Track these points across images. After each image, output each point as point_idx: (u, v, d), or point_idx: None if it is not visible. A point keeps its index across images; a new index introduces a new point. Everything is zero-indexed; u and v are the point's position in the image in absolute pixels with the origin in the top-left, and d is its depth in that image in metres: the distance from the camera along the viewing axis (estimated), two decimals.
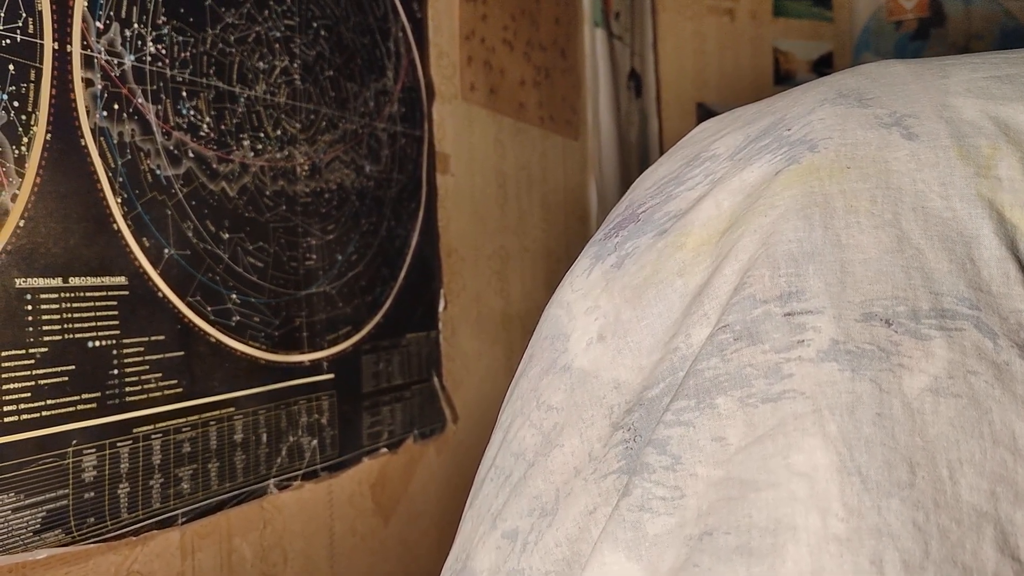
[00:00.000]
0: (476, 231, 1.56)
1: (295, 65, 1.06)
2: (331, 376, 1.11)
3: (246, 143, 0.98)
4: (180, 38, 0.89)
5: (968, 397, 0.35)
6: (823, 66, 3.03)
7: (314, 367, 1.08)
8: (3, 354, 0.70)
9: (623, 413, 0.49)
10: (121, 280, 0.81)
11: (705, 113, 2.94)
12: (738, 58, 2.97)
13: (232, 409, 0.94)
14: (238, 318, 0.95)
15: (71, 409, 0.76)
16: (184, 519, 0.87)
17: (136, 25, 0.84)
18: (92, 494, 0.77)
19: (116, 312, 0.80)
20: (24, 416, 0.72)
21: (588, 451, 0.49)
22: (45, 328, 0.74)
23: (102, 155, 0.80)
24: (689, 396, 0.43)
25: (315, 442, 1.08)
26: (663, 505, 0.41)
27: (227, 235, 0.94)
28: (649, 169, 0.59)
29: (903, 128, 0.43)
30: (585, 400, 0.52)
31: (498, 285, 1.63)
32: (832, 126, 0.47)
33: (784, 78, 3.01)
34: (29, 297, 0.73)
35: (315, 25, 1.10)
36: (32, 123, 0.74)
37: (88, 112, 0.79)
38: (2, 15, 0.72)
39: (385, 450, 1.23)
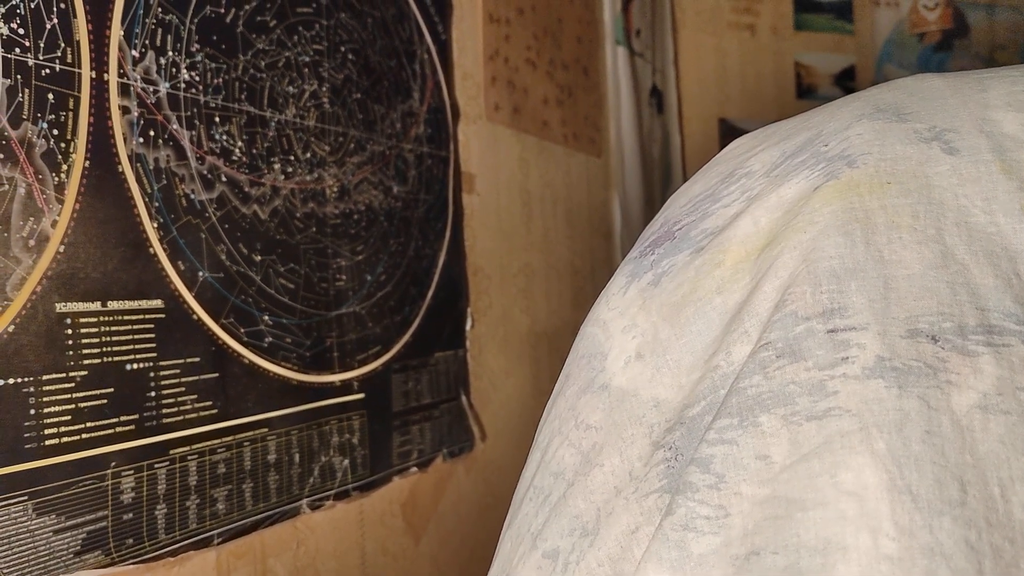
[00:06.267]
0: (502, 249, 1.56)
1: (324, 89, 1.08)
2: (361, 396, 1.12)
3: (277, 166, 0.99)
4: (213, 65, 0.91)
5: (1018, 414, 0.35)
6: (845, 79, 3.02)
7: (345, 387, 1.09)
8: (44, 378, 0.71)
9: (663, 432, 0.49)
10: (158, 303, 0.82)
11: (727, 128, 2.94)
12: (760, 73, 2.97)
13: (265, 430, 0.95)
14: (270, 339, 0.96)
15: (110, 431, 0.77)
16: (220, 539, 0.88)
17: (171, 53, 0.86)
18: (131, 515, 0.78)
19: (153, 335, 0.81)
20: (64, 439, 0.73)
21: (628, 470, 0.49)
22: (85, 352, 0.75)
23: (139, 181, 0.81)
24: (732, 414, 0.42)
25: (346, 462, 1.08)
26: (707, 524, 0.40)
27: (259, 257, 0.95)
28: (683, 186, 0.59)
29: (943, 143, 0.43)
30: (624, 419, 0.51)
31: (524, 303, 1.64)
32: (871, 141, 0.46)
33: (806, 92, 3.01)
34: (69, 321, 0.74)
35: (343, 49, 1.12)
36: (71, 151, 0.75)
37: (125, 139, 0.80)
38: (42, 45, 0.73)
39: (415, 469, 1.23)
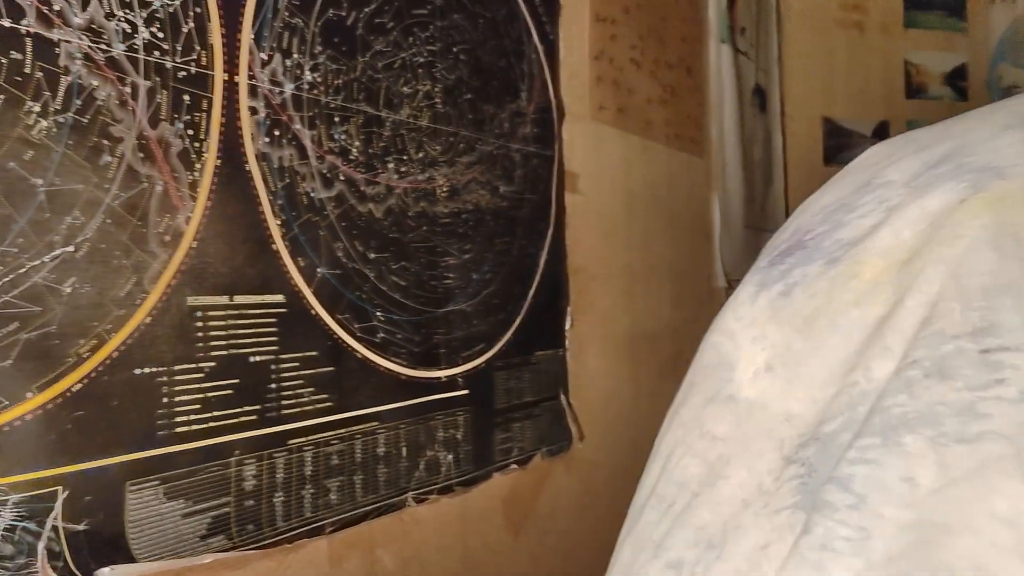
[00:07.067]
0: (603, 249, 1.56)
1: (437, 89, 1.10)
2: (466, 392, 1.13)
3: (391, 166, 1.01)
4: (334, 66, 0.93)
5: None
6: (956, 78, 2.91)
7: (450, 383, 1.10)
8: (176, 368, 0.75)
9: (796, 447, 0.48)
10: (279, 298, 0.85)
11: (831, 128, 2.86)
12: (867, 71, 2.88)
13: (376, 423, 0.97)
14: (382, 335, 0.99)
15: (234, 421, 0.80)
16: (332, 528, 0.90)
17: (296, 55, 0.89)
18: (251, 502, 0.81)
19: (275, 329, 0.84)
20: (193, 427, 0.76)
21: (757, 484, 0.48)
22: (213, 344, 0.78)
23: (264, 179, 0.84)
24: (875, 433, 0.41)
25: (451, 457, 1.10)
26: (847, 546, 0.39)
27: (373, 255, 0.98)
28: (815, 195, 0.58)
29: None
30: (753, 431, 0.51)
31: (624, 303, 1.63)
32: (1021, 152, 0.44)
33: (916, 91, 2.90)
34: (199, 314, 0.77)
35: (455, 50, 1.13)
36: (204, 150, 0.78)
37: (252, 138, 0.83)
38: (179, 48, 0.77)
39: (515, 466, 1.24)
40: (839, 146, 2.84)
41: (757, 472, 0.48)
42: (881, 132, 2.84)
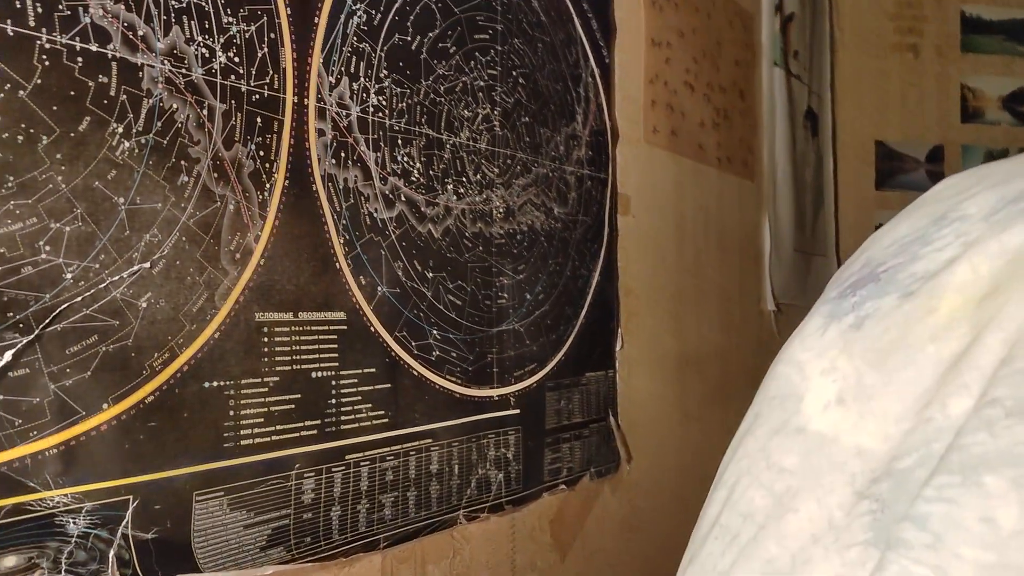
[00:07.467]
0: (653, 271, 1.56)
1: (496, 112, 1.11)
2: (517, 411, 1.14)
3: (450, 187, 1.03)
4: (398, 90, 0.95)
5: None
6: (1015, 103, 2.87)
7: (502, 402, 1.11)
8: (243, 382, 0.77)
9: (868, 482, 0.47)
10: (341, 315, 0.87)
11: (884, 151, 2.83)
12: (922, 95, 2.85)
13: (430, 440, 0.98)
14: (438, 353, 1.00)
15: (295, 435, 0.81)
16: (385, 544, 0.91)
17: (362, 79, 0.91)
18: (310, 515, 0.83)
19: (336, 345, 0.86)
20: (257, 439, 0.78)
21: (827, 518, 0.48)
22: (278, 359, 0.80)
23: (329, 199, 0.86)
24: (953, 472, 0.41)
25: (501, 475, 1.10)
26: None
27: (431, 274, 0.99)
28: (887, 226, 0.57)
29: None
30: (823, 465, 0.51)
31: (673, 326, 1.62)
32: None
33: (972, 115, 2.86)
34: (265, 330, 0.79)
35: (514, 74, 1.15)
36: (274, 170, 0.81)
37: (319, 159, 0.85)
38: (253, 72, 0.79)
39: (563, 487, 1.25)
40: (892, 170, 2.81)
41: (827, 506, 0.48)
42: (935, 156, 2.81)
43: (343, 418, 0.87)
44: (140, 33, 0.69)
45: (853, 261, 0.59)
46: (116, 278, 0.67)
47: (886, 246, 0.56)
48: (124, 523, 0.67)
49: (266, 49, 0.80)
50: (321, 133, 0.86)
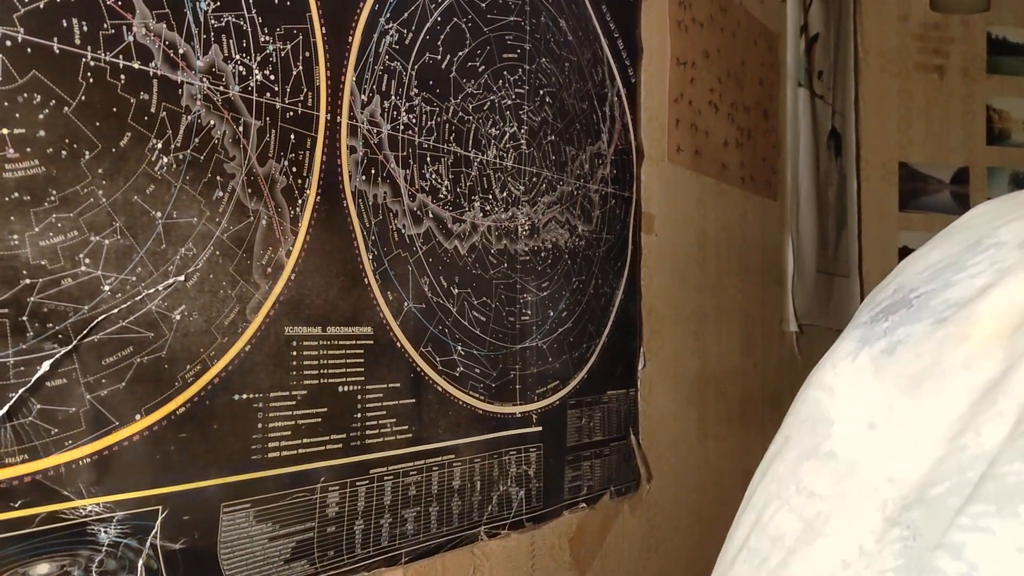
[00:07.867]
0: (676, 290, 1.56)
1: (522, 131, 1.12)
2: (539, 429, 1.14)
3: (476, 204, 1.03)
4: (428, 108, 0.96)
5: None
6: None
7: (524, 419, 1.12)
8: (271, 395, 0.78)
9: (899, 509, 0.47)
10: (368, 331, 0.88)
11: (908, 173, 2.82)
12: (947, 116, 2.84)
13: (452, 456, 0.99)
14: (461, 369, 1.00)
15: (321, 448, 0.82)
16: (407, 559, 0.92)
17: (393, 97, 0.92)
18: (333, 528, 0.83)
19: (362, 360, 0.87)
20: (284, 452, 0.79)
21: (858, 544, 0.48)
22: (306, 373, 0.81)
23: (359, 215, 0.87)
24: (988, 501, 0.41)
25: (522, 492, 1.11)
26: None
27: (456, 290, 1.00)
28: (919, 252, 0.58)
29: None
30: (854, 490, 0.50)
31: (695, 345, 1.62)
32: None
33: (997, 137, 2.85)
34: (295, 344, 0.80)
35: (541, 92, 1.16)
36: (306, 186, 0.82)
37: (350, 176, 0.86)
38: (288, 90, 0.80)
39: (583, 505, 1.24)
40: (915, 191, 2.80)
41: (858, 532, 0.48)
42: (960, 178, 2.79)
43: (368, 432, 0.87)
44: (181, 51, 0.70)
45: (885, 286, 0.59)
46: (152, 291, 0.68)
47: (919, 271, 0.56)
48: (153, 533, 0.68)
49: (301, 67, 0.81)
50: (352, 150, 0.87)
